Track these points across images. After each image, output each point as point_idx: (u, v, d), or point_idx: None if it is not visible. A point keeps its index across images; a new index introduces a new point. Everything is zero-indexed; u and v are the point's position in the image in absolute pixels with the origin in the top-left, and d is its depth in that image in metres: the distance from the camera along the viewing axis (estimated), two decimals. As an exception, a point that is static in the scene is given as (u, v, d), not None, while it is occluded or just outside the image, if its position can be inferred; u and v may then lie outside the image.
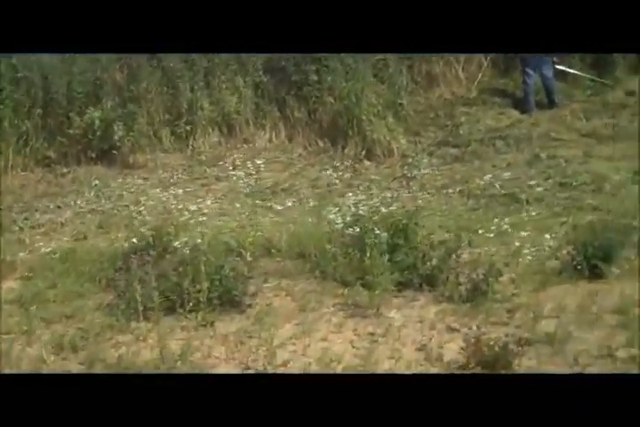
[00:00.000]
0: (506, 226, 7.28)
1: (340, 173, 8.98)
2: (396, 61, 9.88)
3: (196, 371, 5.39)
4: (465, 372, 5.22)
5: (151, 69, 9.82)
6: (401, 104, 9.45)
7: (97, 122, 9.25)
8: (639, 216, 7.03)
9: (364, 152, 9.20)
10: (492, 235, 7.14)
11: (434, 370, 5.32)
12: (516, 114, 9.98)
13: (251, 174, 9.15)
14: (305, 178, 8.91)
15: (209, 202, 8.47)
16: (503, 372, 5.17)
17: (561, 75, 10.54)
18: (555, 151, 9.04)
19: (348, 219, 6.89)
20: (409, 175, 8.80)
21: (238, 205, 8.30)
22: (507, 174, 8.61)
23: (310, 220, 7.33)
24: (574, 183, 8.27)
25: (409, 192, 8.43)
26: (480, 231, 7.17)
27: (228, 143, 9.67)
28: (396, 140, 9.31)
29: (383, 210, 6.94)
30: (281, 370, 5.41)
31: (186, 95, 9.67)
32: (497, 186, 8.32)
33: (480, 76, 10.62)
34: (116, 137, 9.23)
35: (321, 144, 9.46)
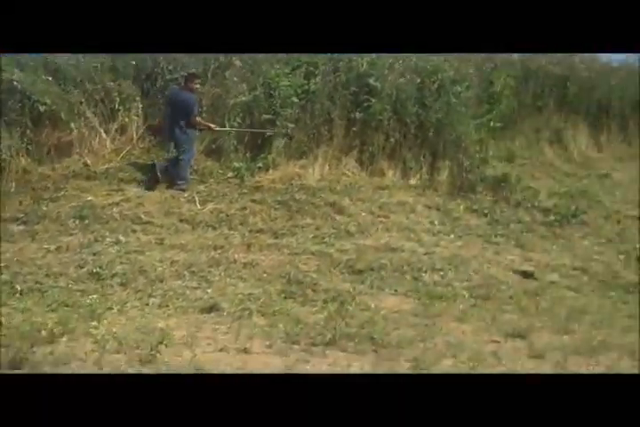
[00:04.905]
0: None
1: None
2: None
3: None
4: (464, 372, 5.27)
5: None
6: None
7: None
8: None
9: None
10: None
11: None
12: (135, 192, 8.80)
13: None
14: None
15: None
16: (502, 373, 5.26)
17: (217, 152, 9.51)
18: (118, 236, 7.85)
19: None
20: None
21: None
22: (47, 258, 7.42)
23: None
24: (104, 274, 7.15)
25: None
26: None
27: None
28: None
29: None
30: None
31: None
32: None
33: (129, 148, 9.54)
34: None
35: None
